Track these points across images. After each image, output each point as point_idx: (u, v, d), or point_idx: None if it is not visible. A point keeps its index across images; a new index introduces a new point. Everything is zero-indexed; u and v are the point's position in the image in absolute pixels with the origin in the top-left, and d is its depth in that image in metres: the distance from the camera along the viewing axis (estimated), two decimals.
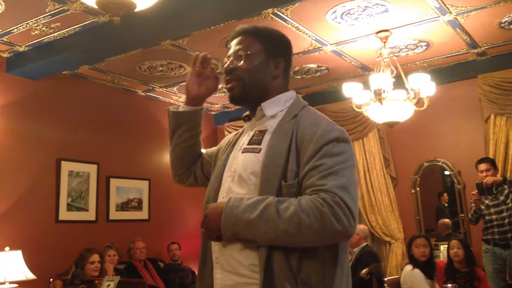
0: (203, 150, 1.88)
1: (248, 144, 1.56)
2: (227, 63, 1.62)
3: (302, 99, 1.64)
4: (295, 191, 1.40)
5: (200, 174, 1.83)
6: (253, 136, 1.57)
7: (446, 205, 6.38)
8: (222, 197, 1.55)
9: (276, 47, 1.63)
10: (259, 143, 1.53)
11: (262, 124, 1.59)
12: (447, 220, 6.16)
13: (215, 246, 1.51)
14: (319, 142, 1.42)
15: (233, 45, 1.65)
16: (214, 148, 1.84)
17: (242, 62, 1.59)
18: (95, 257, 4.69)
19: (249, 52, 1.59)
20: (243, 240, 1.40)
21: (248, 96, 1.60)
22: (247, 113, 1.71)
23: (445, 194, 6.34)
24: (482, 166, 4.87)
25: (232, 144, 1.69)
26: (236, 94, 1.61)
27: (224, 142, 1.81)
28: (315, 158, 1.40)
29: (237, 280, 1.43)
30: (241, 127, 1.78)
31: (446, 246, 4.71)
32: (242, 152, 1.56)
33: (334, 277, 1.39)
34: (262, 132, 1.55)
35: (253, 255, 1.41)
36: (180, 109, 1.74)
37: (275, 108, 1.59)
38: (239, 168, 1.53)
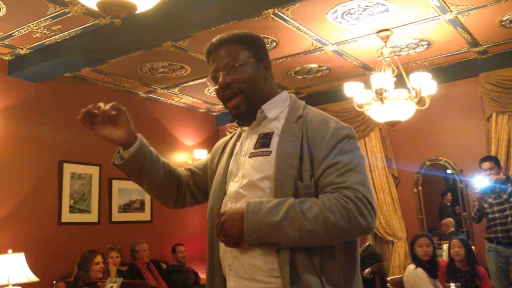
0: (189, 166, 1.81)
1: (255, 148, 1.52)
2: (220, 78, 1.54)
3: (298, 99, 1.62)
4: (312, 191, 1.40)
5: (196, 190, 1.75)
6: (258, 139, 1.54)
7: (449, 204, 6.37)
8: (230, 203, 1.50)
9: (260, 49, 1.60)
10: (267, 145, 1.49)
11: (265, 127, 1.56)
12: (449, 219, 6.15)
13: (227, 253, 1.46)
14: (332, 140, 1.44)
15: (218, 58, 1.56)
16: (203, 160, 1.79)
17: (236, 74, 1.53)
18: (99, 258, 4.71)
19: (240, 62, 1.53)
20: (262, 245, 1.38)
21: (253, 108, 1.55)
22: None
23: (449, 194, 6.32)
24: (486, 165, 4.86)
25: (230, 150, 1.64)
26: (242, 110, 1.55)
27: (216, 150, 1.75)
28: (330, 156, 1.41)
29: (253, 287, 1.41)
30: (237, 127, 1.73)
31: (448, 245, 4.71)
32: (250, 157, 1.51)
33: (351, 274, 1.42)
34: (269, 135, 1.52)
35: (272, 260, 1.39)
36: (126, 157, 1.61)
37: (275, 110, 1.56)
38: (249, 173, 1.49)
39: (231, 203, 1.50)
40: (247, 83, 1.53)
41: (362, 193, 1.36)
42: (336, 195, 1.35)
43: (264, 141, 1.51)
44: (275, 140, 1.49)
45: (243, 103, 1.54)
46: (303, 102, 1.60)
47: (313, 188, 1.41)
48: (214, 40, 1.59)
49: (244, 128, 1.65)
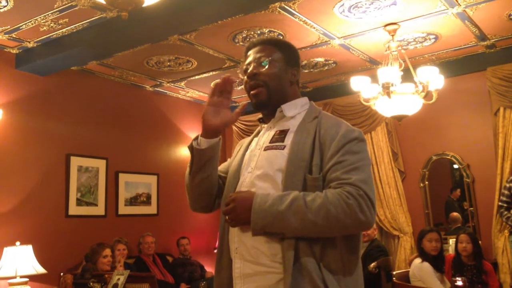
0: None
1: (271, 142, 1.64)
2: (250, 68, 1.70)
3: (315, 105, 1.76)
4: (320, 184, 1.51)
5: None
6: (274, 135, 1.66)
7: (456, 199, 6.35)
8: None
9: (293, 57, 1.76)
10: (282, 140, 1.62)
11: (282, 124, 1.69)
12: (456, 214, 6.14)
13: (234, 237, 1.58)
14: (342, 140, 1.54)
15: (253, 53, 1.73)
16: (226, 163, 1.88)
17: (265, 68, 1.68)
18: (108, 251, 4.75)
19: (270, 58, 1.68)
20: (267, 233, 1.48)
21: (272, 101, 1.68)
22: (260, 116, 1.80)
23: (458, 190, 6.26)
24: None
25: (246, 145, 1.78)
26: (262, 99, 1.68)
27: (237, 148, 1.87)
28: (338, 154, 1.51)
29: (256, 269, 1.51)
30: (249, 122, 1.81)
31: (455, 240, 4.70)
32: (265, 150, 1.63)
33: (352, 265, 1.50)
34: (284, 131, 1.65)
35: (275, 246, 1.49)
36: (203, 146, 1.65)
37: (294, 110, 1.69)
38: (263, 164, 1.60)
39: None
40: (272, 78, 1.67)
41: (364, 190, 1.44)
42: (339, 190, 1.45)
43: (279, 136, 1.64)
44: (290, 136, 1.62)
45: (264, 93, 1.67)
46: (320, 108, 1.74)
47: (321, 182, 1.51)
48: (254, 39, 1.81)
49: (263, 125, 1.78)
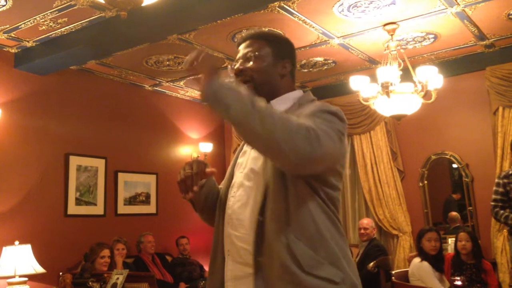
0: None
1: None
2: (237, 65, 1.67)
3: (311, 95, 1.69)
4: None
5: None
6: None
7: (456, 199, 6.33)
8: (233, 192, 1.60)
9: (283, 49, 1.70)
10: None
11: None
12: (455, 213, 6.14)
13: (227, 238, 1.56)
14: (316, 109, 1.49)
15: (242, 48, 1.69)
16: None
17: (251, 63, 1.64)
18: (106, 252, 4.73)
19: (257, 53, 1.65)
20: (214, 103, 1.36)
21: (260, 95, 1.54)
22: None
23: (459, 194, 6.22)
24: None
25: (242, 146, 1.74)
26: None
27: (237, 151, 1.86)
28: (308, 114, 1.46)
29: (246, 271, 1.48)
30: None
31: (454, 239, 4.70)
32: (252, 148, 1.59)
33: (327, 230, 1.46)
34: None
35: None
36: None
37: (284, 105, 1.62)
38: (250, 162, 1.59)
39: (234, 191, 1.60)
40: (258, 73, 1.63)
41: (318, 132, 1.36)
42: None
43: None
44: None
45: (250, 88, 1.59)
46: (313, 98, 1.67)
47: None
48: (243, 33, 1.74)
49: None
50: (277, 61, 1.66)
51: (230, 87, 1.35)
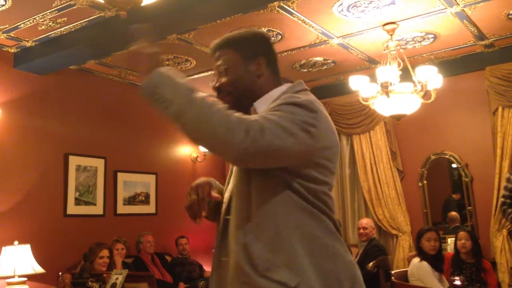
0: None
1: None
2: (214, 83, 1.63)
3: (298, 86, 1.60)
4: (275, 173, 1.41)
5: None
6: None
7: (456, 199, 6.32)
8: (226, 197, 1.59)
9: (252, 48, 1.62)
10: None
11: None
12: (454, 213, 6.15)
13: (220, 248, 1.56)
14: (280, 103, 1.43)
15: (214, 62, 1.66)
16: None
17: (224, 77, 1.60)
18: (105, 252, 4.72)
19: (227, 66, 1.60)
20: (152, 96, 1.34)
21: (242, 105, 1.57)
22: None
23: (459, 194, 6.22)
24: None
25: None
26: (231, 108, 1.57)
27: None
28: (271, 109, 1.42)
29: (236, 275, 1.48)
30: None
31: (453, 239, 4.70)
32: None
33: (291, 229, 1.40)
34: None
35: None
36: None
37: (264, 106, 1.55)
38: (235, 168, 1.57)
39: (226, 197, 1.59)
40: (233, 85, 1.59)
41: (264, 125, 1.31)
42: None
43: None
44: None
45: (231, 102, 1.56)
46: (296, 89, 1.58)
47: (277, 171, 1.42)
48: (210, 45, 1.68)
49: None
50: (249, 63, 1.60)
51: (169, 82, 1.32)
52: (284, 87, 1.61)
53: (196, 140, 1.38)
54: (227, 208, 1.55)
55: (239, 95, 1.58)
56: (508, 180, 4.44)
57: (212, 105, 1.31)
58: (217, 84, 1.62)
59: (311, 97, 1.51)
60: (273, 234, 1.39)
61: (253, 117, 1.35)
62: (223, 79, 1.60)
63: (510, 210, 4.41)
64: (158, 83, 1.32)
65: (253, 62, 1.61)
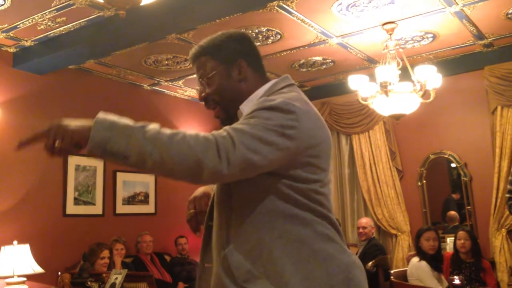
0: None
1: None
2: (199, 93, 1.59)
3: (281, 82, 1.53)
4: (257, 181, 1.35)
5: None
6: None
7: (456, 198, 6.33)
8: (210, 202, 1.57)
9: (228, 52, 1.56)
10: None
11: None
12: (453, 213, 6.15)
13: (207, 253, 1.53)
14: (254, 108, 1.37)
15: (196, 73, 1.60)
16: None
17: (207, 87, 1.55)
18: (106, 253, 4.72)
19: (208, 76, 1.54)
20: (105, 154, 1.26)
21: (230, 112, 1.55)
22: None
23: (458, 194, 6.23)
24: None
25: None
26: (222, 118, 1.57)
27: None
28: (245, 117, 1.36)
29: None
30: None
31: (453, 238, 4.70)
32: None
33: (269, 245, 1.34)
34: None
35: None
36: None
37: (248, 109, 1.46)
38: None
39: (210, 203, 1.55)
40: (219, 94, 1.54)
41: (232, 138, 1.25)
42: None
43: None
44: None
45: (221, 113, 1.56)
46: (279, 86, 1.51)
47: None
48: (189, 55, 1.62)
49: None
50: (229, 68, 1.54)
51: (114, 133, 1.22)
52: (268, 84, 1.54)
53: (170, 177, 1.29)
54: (210, 214, 1.51)
55: (227, 104, 1.54)
56: None
57: (170, 138, 1.23)
58: (202, 95, 1.57)
59: (290, 94, 1.43)
60: (253, 244, 1.34)
61: (222, 132, 1.28)
62: (208, 90, 1.55)
63: None
64: (104, 138, 1.23)
65: (233, 67, 1.54)
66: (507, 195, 4.21)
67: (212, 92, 1.54)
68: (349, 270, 1.38)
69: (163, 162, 1.22)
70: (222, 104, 1.54)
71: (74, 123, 1.30)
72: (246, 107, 1.49)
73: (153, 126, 1.26)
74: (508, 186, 4.20)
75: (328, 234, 1.39)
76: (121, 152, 1.22)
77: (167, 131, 1.26)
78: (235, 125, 1.32)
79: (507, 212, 4.92)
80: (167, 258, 6.13)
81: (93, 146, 1.24)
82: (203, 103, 1.60)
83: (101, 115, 1.28)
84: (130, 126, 1.24)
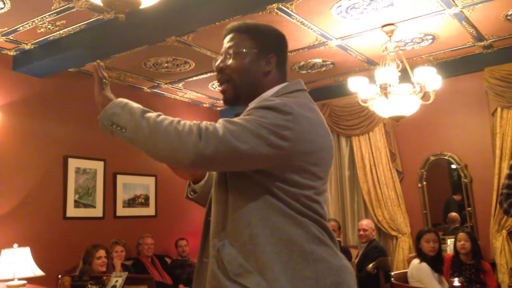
0: None
1: None
2: (217, 62, 1.58)
3: (291, 86, 1.54)
4: (253, 176, 1.39)
5: None
6: None
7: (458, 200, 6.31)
8: (209, 197, 1.58)
9: (267, 42, 1.57)
10: None
11: None
12: (454, 214, 6.15)
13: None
14: (254, 106, 1.40)
15: (225, 42, 1.59)
16: None
17: (231, 60, 1.54)
18: (101, 253, 4.72)
19: (239, 50, 1.54)
20: (113, 129, 1.46)
21: (241, 96, 1.54)
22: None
23: (459, 195, 6.21)
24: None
25: None
26: (229, 96, 1.56)
27: None
28: (244, 113, 1.40)
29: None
30: None
31: (453, 240, 4.70)
32: None
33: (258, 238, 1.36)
34: None
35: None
36: (198, 190, 1.69)
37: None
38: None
39: (209, 199, 1.57)
40: (238, 73, 1.53)
41: (221, 125, 1.33)
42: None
43: None
44: None
45: (230, 89, 1.55)
46: (289, 90, 1.52)
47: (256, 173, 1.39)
48: (228, 25, 1.63)
49: None
50: (261, 56, 1.54)
51: (120, 111, 1.43)
52: (278, 86, 1.54)
53: (154, 155, 1.37)
54: (209, 209, 1.53)
55: (239, 86, 1.53)
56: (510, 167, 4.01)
57: (164, 119, 1.36)
58: (221, 64, 1.56)
59: (295, 99, 1.44)
60: (247, 239, 1.36)
61: (212, 123, 1.34)
62: (229, 62, 1.54)
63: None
64: (115, 113, 1.43)
65: (264, 58, 1.54)
66: (505, 191, 4.06)
67: (233, 66, 1.53)
68: (339, 273, 1.39)
69: (150, 137, 1.34)
70: (235, 83, 1.53)
71: (107, 93, 1.57)
72: (253, 104, 1.48)
73: (158, 113, 1.41)
74: (506, 181, 4.04)
75: (320, 237, 1.40)
76: (122, 125, 1.41)
77: (166, 116, 1.39)
78: (242, 119, 1.36)
79: None
80: (168, 260, 6.13)
81: (103, 115, 1.46)
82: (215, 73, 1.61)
83: (121, 98, 1.49)
84: (138, 106, 1.43)
